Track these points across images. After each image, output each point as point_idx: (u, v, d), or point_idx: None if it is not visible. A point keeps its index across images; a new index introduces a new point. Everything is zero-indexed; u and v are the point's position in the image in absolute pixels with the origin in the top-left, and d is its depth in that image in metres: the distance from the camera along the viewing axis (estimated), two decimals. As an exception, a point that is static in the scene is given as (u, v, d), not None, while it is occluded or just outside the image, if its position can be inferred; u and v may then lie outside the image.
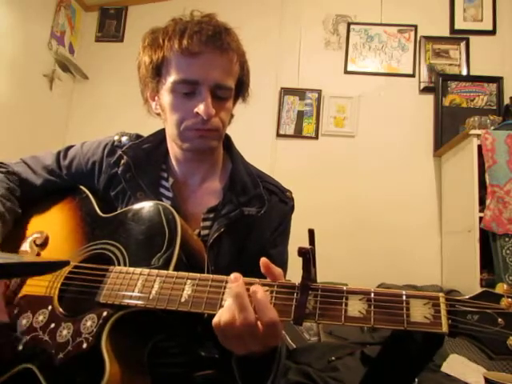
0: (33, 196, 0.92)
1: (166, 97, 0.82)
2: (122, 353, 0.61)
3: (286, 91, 2.72)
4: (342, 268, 2.35)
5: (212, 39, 0.77)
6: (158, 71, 0.82)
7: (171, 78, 0.79)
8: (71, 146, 0.98)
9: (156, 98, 0.86)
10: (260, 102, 2.61)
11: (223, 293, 0.59)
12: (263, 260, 0.60)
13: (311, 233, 0.56)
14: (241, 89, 0.88)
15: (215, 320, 0.57)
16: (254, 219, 0.85)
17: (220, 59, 0.78)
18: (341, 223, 2.51)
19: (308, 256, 0.54)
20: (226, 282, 0.60)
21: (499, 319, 0.48)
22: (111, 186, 0.90)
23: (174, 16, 0.82)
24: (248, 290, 0.56)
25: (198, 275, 0.62)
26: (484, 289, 0.52)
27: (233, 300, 0.56)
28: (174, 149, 0.90)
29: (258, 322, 0.55)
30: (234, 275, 0.59)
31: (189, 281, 0.62)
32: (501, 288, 0.51)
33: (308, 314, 0.54)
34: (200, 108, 0.78)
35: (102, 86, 2.92)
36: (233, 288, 0.57)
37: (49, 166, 0.94)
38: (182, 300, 0.60)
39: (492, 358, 0.47)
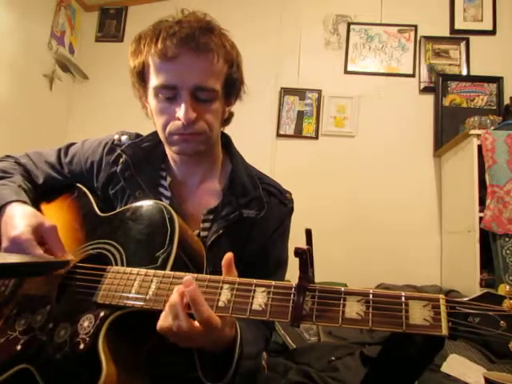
0: (33, 191, 0.93)
1: (151, 102, 0.82)
2: (119, 353, 0.61)
3: (286, 91, 2.72)
4: (341, 268, 2.34)
5: (186, 41, 0.75)
6: (142, 77, 0.82)
7: (152, 84, 0.79)
8: (73, 143, 0.99)
9: (147, 102, 0.86)
10: (260, 102, 2.62)
11: (220, 293, 0.59)
12: (229, 256, 0.62)
13: (308, 233, 0.56)
14: (232, 87, 0.85)
15: (158, 325, 0.59)
16: (253, 221, 0.85)
17: (197, 61, 0.76)
18: (340, 223, 2.51)
19: (304, 256, 0.53)
20: (223, 283, 0.60)
21: (501, 321, 0.47)
22: (110, 184, 0.90)
23: (162, 17, 0.81)
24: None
25: (195, 275, 0.62)
26: (486, 290, 0.51)
27: (168, 308, 0.58)
28: (169, 150, 0.90)
29: (195, 322, 0.57)
30: (186, 279, 0.58)
31: None
32: (503, 289, 0.50)
33: (305, 316, 0.53)
34: (179, 113, 0.77)
35: (102, 86, 2.92)
36: (171, 296, 0.58)
37: (51, 161, 0.95)
38: None
39: (494, 362, 0.46)
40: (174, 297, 0.58)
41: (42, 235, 0.75)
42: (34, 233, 0.73)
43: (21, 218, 0.76)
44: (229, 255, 0.63)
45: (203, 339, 0.59)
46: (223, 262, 0.62)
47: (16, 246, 0.72)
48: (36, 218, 0.77)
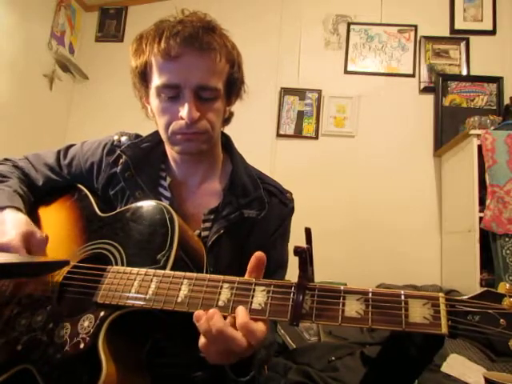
0: (33, 193, 0.93)
1: (153, 101, 0.82)
2: (119, 353, 0.61)
3: (286, 91, 2.72)
4: (341, 268, 2.35)
5: (189, 40, 0.75)
6: (144, 77, 0.82)
7: (154, 83, 0.79)
8: (72, 145, 0.99)
9: (147, 103, 0.86)
10: (260, 102, 2.62)
11: (219, 293, 0.59)
12: (261, 255, 0.59)
13: (308, 232, 0.56)
14: (233, 86, 0.86)
15: (210, 360, 0.57)
16: (253, 221, 0.85)
17: (200, 60, 0.76)
18: (341, 223, 2.51)
19: (304, 255, 0.53)
20: (223, 282, 0.60)
21: (501, 320, 0.47)
22: (110, 185, 0.90)
23: (162, 17, 0.81)
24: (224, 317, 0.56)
25: (195, 275, 0.62)
26: (485, 288, 0.51)
27: (218, 336, 0.54)
28: (170, 150, 0.90)
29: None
30: (212, 311, 0.56)
31: (185, 280, 0.61)
32: (503, 288, 0.50)
33: (305, 315, 0.53)
34: (183, 112, 0.77)
35: (102, 86, 2.92)
36: (215, 323, 0.54)
37: (50, 164, 0.95)
38: (179, 300, 0.60)
39: (493, 360, 0.46)
40: (219, 322, 0.54)
41: (31, 244, 0.75)
42: (23, 241, 0.73)
43: (12, 224, 0.76)
44: (261, 254, 0.59)
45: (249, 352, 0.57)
46: (252, 261, 0.59)
47: (4, 252, 0.71)
48: (27, 227, 0.76)
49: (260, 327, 0.54)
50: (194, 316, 0.56)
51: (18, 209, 0.81)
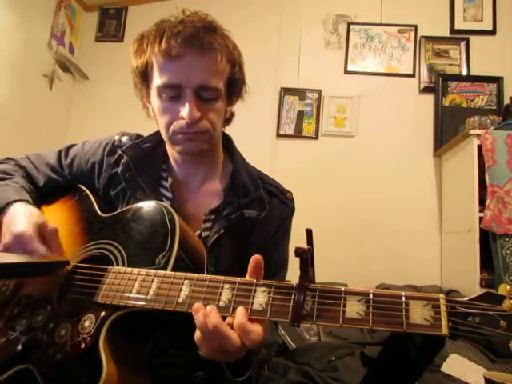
0: (34, 193, 0.93)
1: (154, 101, 0.82)
2: (120, 353, 0.61)
3: (286, 91, 2.72)
4: (341, 268, 2.35)
5: (190, 40, 0.75)
6: (144, 76, 0.82)
7: (155, 83, 0.79)
8: (73, 145, 0.99)
9: (148, 103, 0.86)
10: (260, 102, 2.62)
11: (220, 293, 0.59)
12: (258, 258, 0.59)
13: (309, 233, 0.56)
14: (234, 87, 0.86)
15: (205, 354, 0.57)
16: (254, 221, 0.85)
17: (201, 60, 0.76)
18: (341, 223, 2.51)
19: (305, 256, 0.53)
20: (224, 282, 0.60)
21: (501, 321, 0.47)
22: (111, 185, 0.90)
23: (163, 17, 0.81)
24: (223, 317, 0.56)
25: (196, 275, 0.62)
26: (486, 290, 0.51)
27: (213, 332, 0.54)
28: (171, 150, 0.90)
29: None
30: (210, 308, 0.56)
31: (186, 281, 0.61)
32: (503, 289, 0.50)
33: (305, 315, 0.53)
34: (183, 112, 0.77)
35: (102, 86, 2.92)
36: (211, 319, 0.55)
37: (51, 163, 0.95)
38: (180, 300, 0.60)
39: (494, 361, 0.46)
40: (216, 318, 0.55)
41: (43, 235, 0.75)
42: (36, 230, 0.74)
43: (24, 215, 0.77)
44: (258, 257, 0.60)
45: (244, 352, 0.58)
46: (251, 264, 0.60)
47: (18, 242, 0.72)
48: (39, 218, 0.77)
49: (256, 329, 0.54)
50: (193, 308, 0.57)
51: (28, 202, 0.83)
